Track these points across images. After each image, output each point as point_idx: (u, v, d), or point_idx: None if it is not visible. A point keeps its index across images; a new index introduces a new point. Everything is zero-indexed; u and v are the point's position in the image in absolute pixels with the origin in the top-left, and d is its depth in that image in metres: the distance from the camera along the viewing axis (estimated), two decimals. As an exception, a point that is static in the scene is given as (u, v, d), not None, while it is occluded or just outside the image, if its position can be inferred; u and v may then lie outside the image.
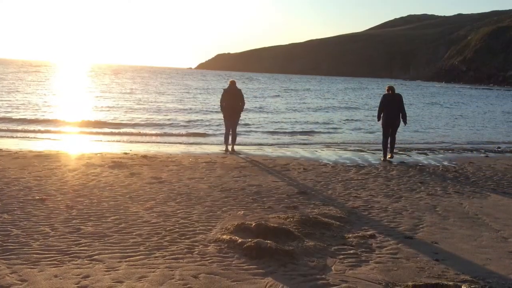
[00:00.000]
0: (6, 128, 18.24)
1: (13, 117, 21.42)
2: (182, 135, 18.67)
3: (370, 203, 8.09)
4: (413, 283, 4.60)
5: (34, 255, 5.02)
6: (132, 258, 5.04)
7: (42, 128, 18.63)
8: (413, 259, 5.38)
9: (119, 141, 16.06)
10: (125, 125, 20.79)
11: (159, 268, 4.80)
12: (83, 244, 5.41)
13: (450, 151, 16.01)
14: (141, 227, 6.11)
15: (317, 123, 24.83)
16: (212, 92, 50.76)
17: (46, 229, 5.88)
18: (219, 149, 14.41)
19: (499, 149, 17.01)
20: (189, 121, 23.04)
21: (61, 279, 4.45)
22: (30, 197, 7.40)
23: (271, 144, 16.72)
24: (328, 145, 16.92)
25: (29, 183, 8.39)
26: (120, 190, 8.16)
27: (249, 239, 5.45)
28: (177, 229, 6.09)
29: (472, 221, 7.19)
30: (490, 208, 8.08)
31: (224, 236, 5.73)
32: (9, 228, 5.82)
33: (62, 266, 4.75)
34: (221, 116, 14.52)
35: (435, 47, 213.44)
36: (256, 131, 20.37)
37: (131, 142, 16.01)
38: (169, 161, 11.38)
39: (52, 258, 4.94)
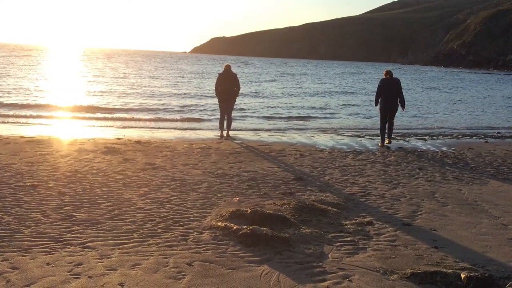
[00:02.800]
0: (-4, 113, 18.08)
1: (4, 102, 21.25)
2: (176, 120, 18.61)
3: (367, 189, 8.08)
4: (411, 270, 4.59)
5: (26, 242, 4.98)
6: (125, 246, 5.01)
7: (34, 113, 18.50)
8: (411, 247, 5.37)
9: (112, 126, 16.00)
10: (118, 110, 20.68)
11: (153, 256, 4.77)
12: (75, 231, 5.37)
13: (449, 137, 16.02)
14: (134, 214, 6.07)
15: (313, 108, 24.77)
16: (207, 76, 50.48)
17: (38, 216, 5.83)
18: (214, 134, 14.38)
19: (498, 135, 17.04)
20: (183, 106, 22.94)
21: (53, 266, 4.41)
22: (21, 184, 7.35)
23: (267, 130, 16.68)
24: (325, 131, 16.90)
25: (21, 169, 8.33)
26: (113, 176, 8.11)
27: (245, 226, 5.43)
28: (171, 216, 6.06)
29: (471, 208, 7.19)
30: (490, 195, 8.09)
31: (219, 223, 5.71)
32: (0, 215, 5.76)
33: (54, 254, 4.71)
34: (216, 101, 14.43)
35: (434, 31, 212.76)
36: (251, 116, 20.31)
37: (124, 127, 15.95)
38: (163, 147, 11.33)
39: (44, 246, 4.91)
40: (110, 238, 5.22)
